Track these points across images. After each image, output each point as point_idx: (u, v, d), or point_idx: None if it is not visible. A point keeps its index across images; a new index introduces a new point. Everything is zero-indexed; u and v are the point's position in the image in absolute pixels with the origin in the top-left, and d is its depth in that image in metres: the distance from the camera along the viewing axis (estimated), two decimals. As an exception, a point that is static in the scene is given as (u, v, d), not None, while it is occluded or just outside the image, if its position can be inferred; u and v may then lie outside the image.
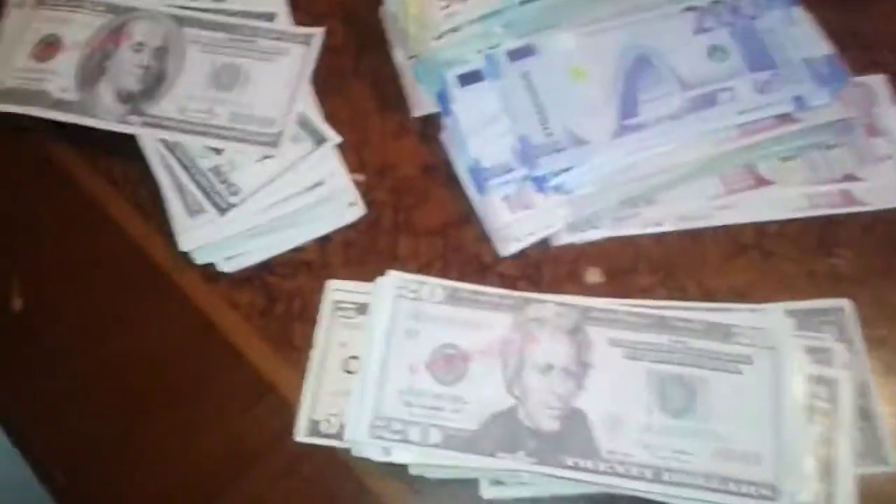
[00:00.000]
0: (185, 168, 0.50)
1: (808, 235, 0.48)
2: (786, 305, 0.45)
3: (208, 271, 0.49)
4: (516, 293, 0.45)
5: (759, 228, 0.49)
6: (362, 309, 0.47)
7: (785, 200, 0.49)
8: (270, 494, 0.43)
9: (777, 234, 0.49)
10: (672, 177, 0.49)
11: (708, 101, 0.49)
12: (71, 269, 0.50)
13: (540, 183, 0.48)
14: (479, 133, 0.49)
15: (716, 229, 0.49)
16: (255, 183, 0.49)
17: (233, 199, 0.49)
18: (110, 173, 0.54)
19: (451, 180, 0.51)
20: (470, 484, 0.42)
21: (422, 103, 0.54)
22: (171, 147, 0.51)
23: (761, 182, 0.49)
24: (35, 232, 0.52)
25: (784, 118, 0.49)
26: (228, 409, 0.45)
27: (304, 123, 0.52)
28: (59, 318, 0.48)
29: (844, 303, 0.45)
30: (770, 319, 0.43)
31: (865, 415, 0.42)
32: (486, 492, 0.42)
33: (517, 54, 0.52)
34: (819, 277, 0.47)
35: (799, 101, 0.49)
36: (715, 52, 0.51)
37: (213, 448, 0.44)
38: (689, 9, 0.52)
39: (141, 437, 0.45)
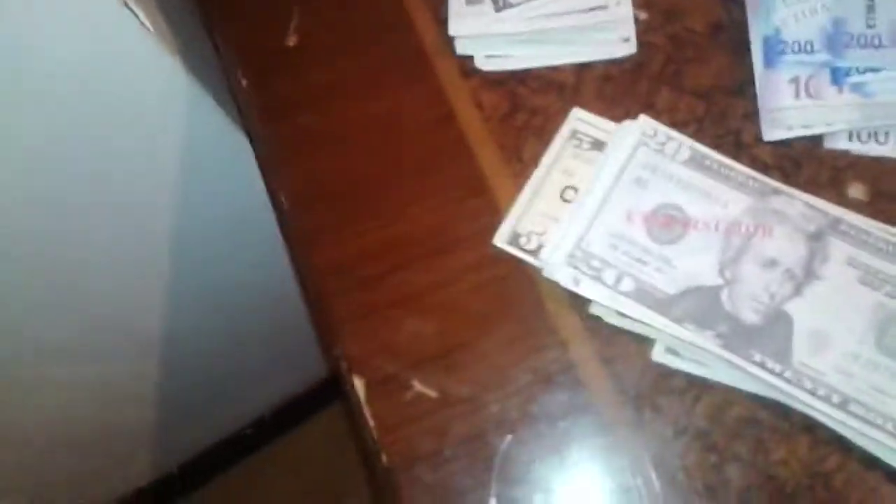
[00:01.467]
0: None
1: None
2: None
3: (466, 64, 0.51)
4: (767, 179, 0.43)
5: None
6: (598, 145, 0.47)
7: None
8: (458, 281, 0.46)
9: None
10: None
11: None
12: (345, 23, 0.54)
13: (839, 75, 0.44)
14: (792, 2, 0.46)
15: None
16: (539, -11, 0.50)
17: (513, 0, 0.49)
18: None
19: (739, 47, 0.48)
20: (644, 342, 0.43)
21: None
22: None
23: None
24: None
25: None
26: (446, 194, 0.48)
27: (608, -57, 0.50)
28: (328, 64, 0.53)
29: None
30: None
31: None
32: (659, 356, 0.42)
33: (870, -75, 0.46)
34: None
35: None
36: None
37: (421, 222, 0.48)
38: None
39: (365, 193, 0.49)
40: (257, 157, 0.54)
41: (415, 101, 0.51)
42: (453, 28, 0.50)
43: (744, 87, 0.47)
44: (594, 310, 0.43)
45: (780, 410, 0.40)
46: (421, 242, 0.47)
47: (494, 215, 0.47)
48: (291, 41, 0.54)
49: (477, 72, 0.51)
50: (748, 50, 0.48)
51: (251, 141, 0.54)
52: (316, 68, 0.53)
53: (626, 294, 0.42)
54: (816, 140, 0.46)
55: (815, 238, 0.41)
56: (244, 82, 0.54)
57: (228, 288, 0.86)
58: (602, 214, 0.43)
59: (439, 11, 0.52)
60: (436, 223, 0.48)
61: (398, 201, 0.49)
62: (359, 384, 0.45)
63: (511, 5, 0.49)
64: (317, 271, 0.48)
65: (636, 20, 0.50)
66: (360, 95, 0.52)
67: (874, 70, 0.43)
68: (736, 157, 0.46)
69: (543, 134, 0.48)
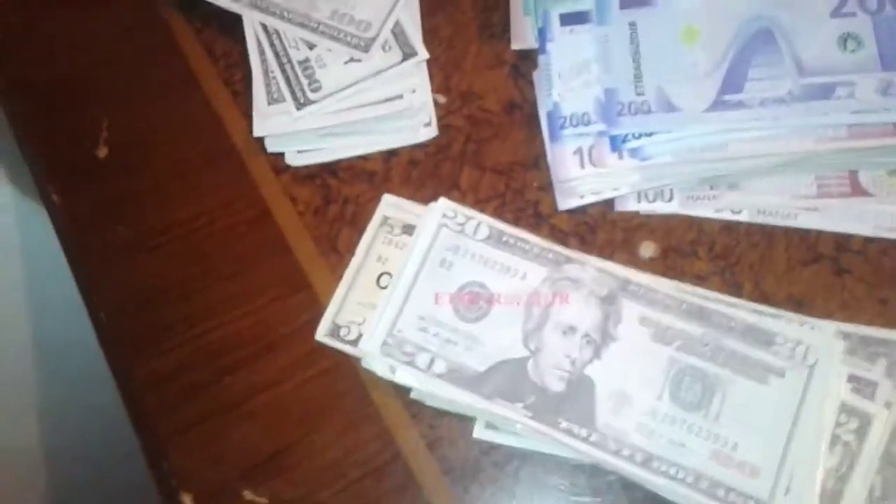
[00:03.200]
0: (277, 55, 0.53)
1: (890, 259, 0.46)
2: (841, 326, 0.43)
3: (278, 161, 0.53)
4: (559, 248, 0.46)
5: (841, 241, 0.47)
6: (409, 229, 0.49)
7: (879, 217, 0.47)
8: (284, 381, 0.47)
9: (858, 252, 0.47)
10: (763, 165, 0.47)
11: (823, 92, 0.47)
12: (155, 129, 0.55)
13: (616, 143, 0.48)
14: (567, 77, 0.50)
15: (793, 231, 0.47)
16: (338, 84, 0.52)
17: (312, 96, 0.52)
18: (212, 47, 0.58)
19: (531, 122, 0.52)
20: (466, 420, 0.44)
21: (524, 37, 0.55)
22: (269, 32, 0.54)
23: (859, 191, 0.47)
24: (130, 86, 0.57)
25: (905, 127, 0.46)
26: (266, 294, 0.49)
27: (399, 34, 0.54)
28: (139, 172, 0.53)
29: (911, 339, 0.43)
30: (818, 336, 0.42)
31: (893, 461, 0.41)
32: (480, 432, 0.44)
33: (631, 2, 0.51)
34: (890, 307, 0.45)
35: (928, 112, 0.46)
36: (848, 40, 0.48)
37: (242, 324, 0.48)
38: (834, -13, 0.49)
39: (183, 300, 0.49)
40: (72, 271, 0.53)
41: (229, 201, 0.52)
42: (258, 128, 0.52)
43: (538, 161, 0.51)
44: (415, 395, 0.45)
45: (598, 473, 0.43)
46: (243, 346, 0.48)
47: (315, 310, 0.48)
48: (101, 152, 0.55)
49: (289, 167, 0.53)
50: (539, 125, 0.51)
51: (66, 254, 0.54)
52: (127, 177, 0.54)
53: (439, 376, 0.43)
54: (609, 204, 0.49)
55: (608, 301, 0.44)
56: (55, 198, 0.54)
57: (55, 404, 0.84)
58: (412, 299, 0.45)
59: (249, 109, 0.53)
60: (257, 324, 0.49)
61: (218, 305, 0.49)
62: (187, 500, 0.44)
63: (311, 101, 0.51)
64: (138, 385, 0.48)
65: (436, 104, 0.53)
66: (173, 200, 0.52)
67: (647, 134, 0.47)
68: (537, 228, 0.49)
69: (357, 223, 0.50)
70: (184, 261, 0.51)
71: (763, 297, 0.46)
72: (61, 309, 0.75)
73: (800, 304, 0.45)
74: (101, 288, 0.51)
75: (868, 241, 0.47)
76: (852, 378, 0.42)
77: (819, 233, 0.47)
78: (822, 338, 0.42)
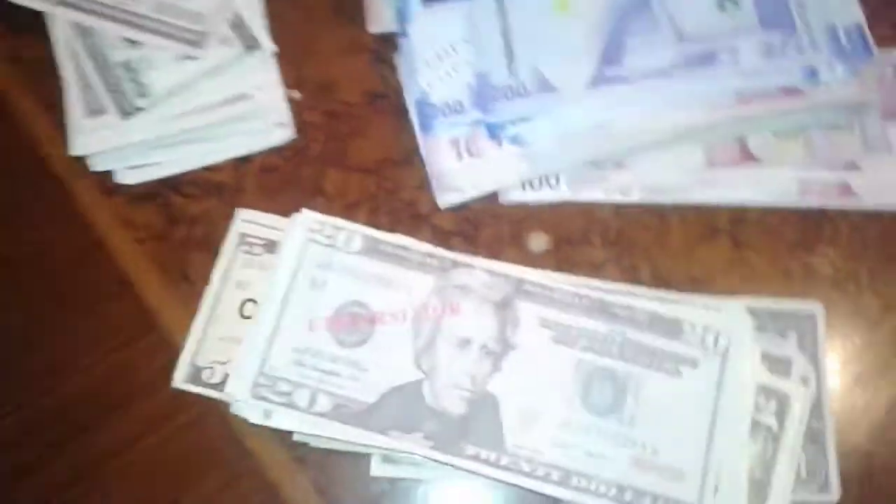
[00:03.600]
0: (93, 59, 0.46)
1: (790, 228, 0.44)
2: (750, 303, 0.41)
3: (106, 181, 0.45)
4: (444, 253, 0.41)
5: (737, 213, 0.45)
6: (271, 247, 0.43)
7: (772, 183, 0.45)
8: (140, 441, 0.40)
9: (756, 222, 0.44)
10: (649, 141, 0.45)
11: (706, 59, 0.44)
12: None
13: (494, 130, 0.43)
14: (434, 63, 0.45)
15: (687, 208, 0.45)
16: (170, 86, 0.45)
17: (140, 102, 0.44)
18: (17, 56, 0.49)
19: (399, 113, 0.47)
20: (360, 458, 0.39)
21: (381, 18, 0.49)
22: (82, 32, 0.46)
23: (748, 158, 0.45)
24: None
25: (790, 91, 0.45)
26: (104, 343, 0.42)
27: (238, 25, 0.47)
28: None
29: (817, 308, 0.41)
30: (727, 318, 0.40)
31: (815, 437, 0.39)
32: (377, 468, 0.39)
33: (493, -29, 0.46)
34: (794, 277, 0.43)
35: (810, 73, 0.44)
36: (726, 1, 0.45)
37: (83, 385, 0.41)
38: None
39: (6, 362, 0.41)
40: None
41: (51, 238, 0.45)
42: (75, 146, 0.44)
43: (410, 156, 0.46)
44: (298, 437, 0.39)
45: (514, 495, 0.38)
46: (87, 405, 0.41)
47: (170, 352, 0.41)
48: None
49: (120, 187, 0.45)
50: (408, 116, 0.46)
51: None
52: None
53: (323, 415, 0.38)
54: (492, 197, 0.45)
55: (503, 306, 0.39)
56: None
57: None
58: (282, 329, 0.39)
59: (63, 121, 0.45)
60: (102, 377, 0.41)
61: (51, 362, 0.41)
62: None
63: (141, 108, 0.44)
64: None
65: (290, 102, 0.47)
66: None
67: (526, 119, 0.43)
68: (417, 230, 0.44)
69: (209, 245, 0.44)
70: (9, 312, 0.42)
71: (662, 281, 0.43)
72: None
73: (701, 284, 0.43)
74: None
75: (765, 211, 0.45)
76: (766, 357, 0.40)
77: (714, 207, 0.45)
78: (731, 319, 0.40)
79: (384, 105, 0.47)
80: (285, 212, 0.43)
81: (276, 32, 0.48)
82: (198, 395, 0.40)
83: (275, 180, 0.46)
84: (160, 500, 0.39)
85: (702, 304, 0.40)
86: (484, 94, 0.43)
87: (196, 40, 0.46)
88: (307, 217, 0.41)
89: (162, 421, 0.40)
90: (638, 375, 0.38)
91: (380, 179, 0.46)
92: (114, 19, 0.47)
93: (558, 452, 0.37)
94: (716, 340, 0.39)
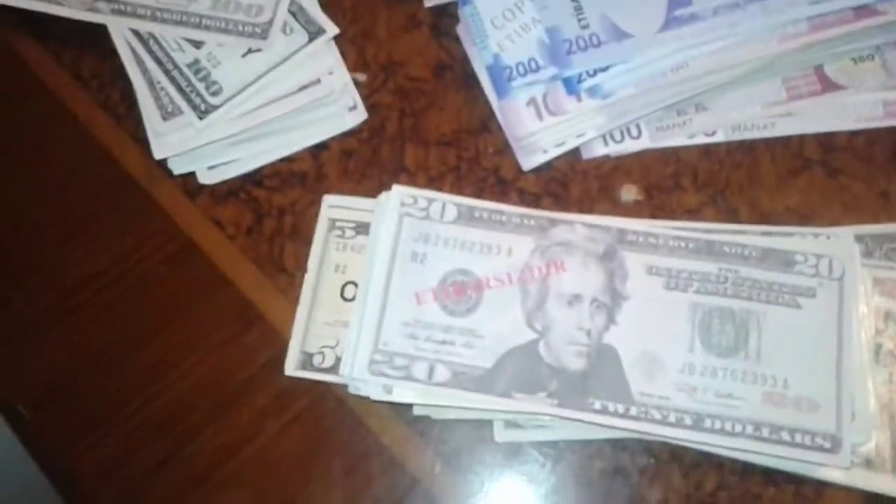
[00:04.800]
0: (160, 63, 0.46)
1: (880, 149, 0.44)
2: (854, 229, 0.40)
3: (188, 183, 0.45)
4: (540, 212, 0.41)
5: (825, 141, 0.44)
6: (363, 228, 0.43)
7: (856, 108, 0.44)
8: (259, 432, 0.40)
9: (845, 148, 0.44)
10: (726, 79, 0.44)
11: (775, -13, 0.44)
12: (31, 181, 0.47)
13: (571, 85, 0.43)
14: (502, 24, 0.44)
15: (774, 141, 0.44)
16: (240, 81, 0.45)
17: (213, 100, 0.44)
18: (78, 72, 0.49)
19: (468, 81, 0.47)
20: (482, 426, 0.39)
21: (436, -9, 0.49)
22: (143, 39, 0.47)
23: (829, 86, 0.44)
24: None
25: (863, 11, 0.44)
26: (211, 340, 0.42)
27: (298, 12, 0.47)
28: (20, 238, 0.45)
29: (921, 227, 0.41)
30: (837, 245, 0.39)
31: (937, 356, 0.39)
32: (501, 435, 0.39)
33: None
34: (892, 198, 0.43)
35: (884, -12, 0.44)
36: (789, -74, 0.45)
37: (194, 382, 0.41)
38: None
39: (113, 371, 0.42)
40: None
41: (140, 242, 0.45)
42: (158, 150, 0.44)
43: (486, 123, 0.45)
44: (418, 411, 0.39)
45: (640, 447, 0.38)
46: (198, 405, 0.41)
47: (275, 343, 0.41)
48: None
49: (204, 187, 0.45)
50: (479, 83, 0.46)
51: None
52: (9, 247, 0.45)
53: (443, 384, 0.38)
54: (575, 153, 0.44)
55: (608, 258, 0.39)
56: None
57: None
58: (390, 305, 0.39)
59: (139, 132, 0.46)
60: (210, 376, 0.41)
61: (156, 366, 0.42)
62: None
63: (214, 107, 0.44)
64: (84, 479, 0.40)
65: (357, 85, 0.47)
66: (74, 259, 0.44)
67: (602, 69, 0.43)
68: (504, 196, 0.44)
69: (299, 234, 0.44)
70: (104, 324, 0.43)
71: (763, 218, 0.42)
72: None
73: (803, 217, 0.42)
74: (11, 378, 0.42)
75: (852, 134, 0.44)
76: (877, 281, 0.39)
77: (801, 137, 0.44)
78: (842, 246, 0.39)
79: (451, 76, 0.47)
80: (370, 193, 0.43)
81: (333, 18, 0.48)
82: (311, 382, 0.40)
83: (355, 163, 0.46)
84: (290, 487, 0.39)
85: (810, 234, 0.40)
86: (557, 48, 0.43)
87: (259, 32, 0.46)
88: (399, 192, 0.41)
89: (278, 411, 0.40)
90: (757, 311, 0.38)
91: (459, 150, 0.45)
92: (172, 22, 0.47)
93: (686, 397, 0.37)
94: (830, 268, 0.38)
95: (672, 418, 0.36)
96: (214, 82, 0.45)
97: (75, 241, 0.44)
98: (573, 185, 0.44)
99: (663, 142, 0.45)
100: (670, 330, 0.38)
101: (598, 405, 0.37)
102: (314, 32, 0.46)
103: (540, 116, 0.43)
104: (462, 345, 0.38)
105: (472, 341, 0.38)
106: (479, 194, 0.44)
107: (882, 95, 0.45)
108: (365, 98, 0.47)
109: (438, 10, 0.49)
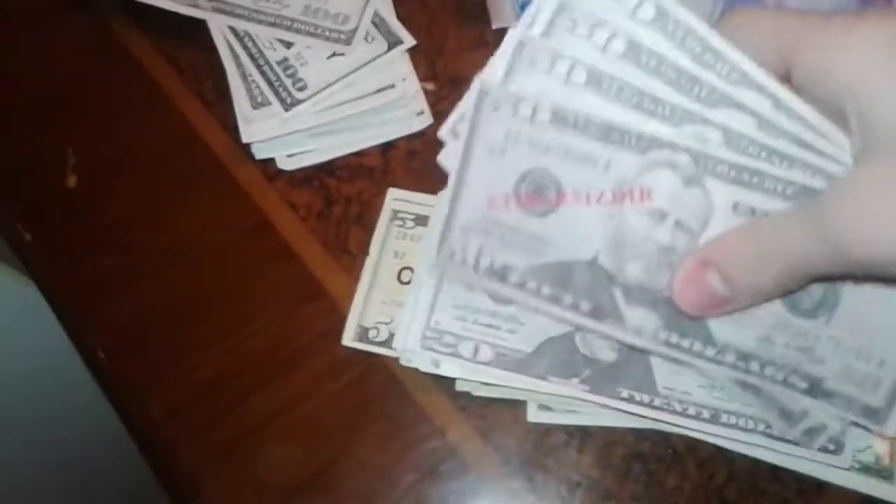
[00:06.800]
0: (253, 58, 0.51)
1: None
2: None
3: (267, 168, 0.51)
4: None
5: None
6: (421, 220, 0.47)
7: None
8: (313, 394, 0.45)
9: None
10: None
11: None
12: (127, 151, 0.52)
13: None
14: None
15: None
16: (323, 80, 0.50)
17: (299, 95, 0.50)
18: (175, 59, 0.55)
19: (527, 98, 0.51)
20: (517, 406, 0.43)
21: (504, 14, 0.54)
22: (239, 36, 0.52)
23: None
24: (93, 110, 0.53)
25: None
26: (277, 307, 0.46)
27: (380, 23, 0.52)
28: (113, 199, 0.50)
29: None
30: None
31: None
32: (534, 415, 0.43)
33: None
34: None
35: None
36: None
37: (259, 343, 0.46)
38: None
39: (187, 327, 0.46)
40: (56, 314, 0.49)
41: (221, 216, 0.49)
42: (245, 135, 0.49)
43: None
44: (461, 386, 0.43)
45: (660, 438, 0.42)
46: (262, 364, 0.45)
47: (334, 315, 0.46)
48: (71, 182, 0.51)
49: (282, 172, 0.50)
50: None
51: (46, 296, 0.50)
52: (103, 205, 0.50)
53: (486, 363, 0.42)
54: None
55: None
56: (26, 236, 0.50)
57: (50, 457, 0.78)
58: (443, 289, 0.43)
59: (227, 119, 0.51)
60: (274, 339, 0.46)
61: (226, 326, 0.46)
62: (231, 535, 0.41)
63: (299, 101, 0.49)
64: (152, 422, 0.44)
65: (425, 92, 0.52)
66: (158, 224, 0.49)
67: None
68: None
69: (364, 221, 0.48)
70: (182, 284, 0.48)
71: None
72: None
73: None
74: (94, 326, 0.47)
75: None
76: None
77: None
78: None
79: (513, 93, 0.52)
80: (429, 190, 0.48)
81: (410, 32, 0.53)
82: (365, 353, 0.45)
83: (418, 163, 0.50)
84: (336, 445, 0.43)
85: None
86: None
87: (345, 38, 0.51)
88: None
89: (334, 376, 0.45)
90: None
91: (515, 158, 0.50)
92: (266, 23, 0.52)
93: (706, 392, 0.40)
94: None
95: (692, 411, 0.40)
96: (301, 79, 0.50)
97: (164, 208, 0.49)
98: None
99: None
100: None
101: (625, 394, 0.41)
102: (392, 43, 0.51)
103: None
104: (506, 330, 0.42)
105: (516, 328, 0.42)
106: (529, 200, 0.48)
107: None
108: (431, 105, 0.52)
109: (503, 32, 0.54)
